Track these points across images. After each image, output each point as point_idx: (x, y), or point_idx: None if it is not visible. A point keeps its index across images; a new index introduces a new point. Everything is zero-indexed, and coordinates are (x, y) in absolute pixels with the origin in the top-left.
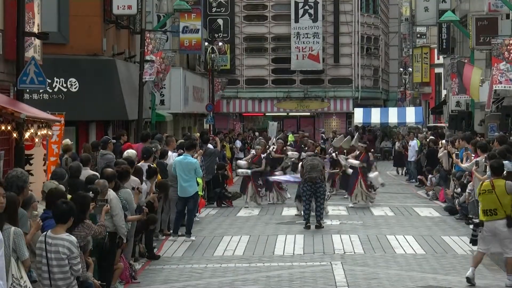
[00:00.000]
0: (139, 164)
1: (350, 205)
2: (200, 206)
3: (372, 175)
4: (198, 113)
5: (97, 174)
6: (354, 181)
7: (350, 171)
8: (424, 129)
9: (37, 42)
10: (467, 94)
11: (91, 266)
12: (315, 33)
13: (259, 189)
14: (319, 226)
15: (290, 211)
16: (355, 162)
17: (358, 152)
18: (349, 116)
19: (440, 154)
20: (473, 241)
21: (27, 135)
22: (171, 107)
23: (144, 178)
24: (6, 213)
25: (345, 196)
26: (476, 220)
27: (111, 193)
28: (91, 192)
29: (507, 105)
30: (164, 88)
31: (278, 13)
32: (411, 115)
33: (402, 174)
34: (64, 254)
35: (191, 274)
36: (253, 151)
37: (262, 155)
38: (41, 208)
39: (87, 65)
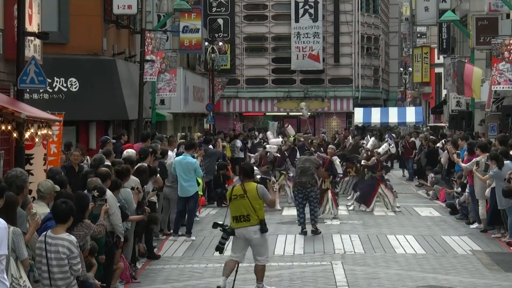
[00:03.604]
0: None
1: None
2: (200, 203)
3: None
4: (198, 113)
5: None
6: (372, 192)
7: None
8: (427, 127)
9: (37, 41)
10: (468, 95)
11: (94, 266)
12: (315, 32)
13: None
14: (315, 232)
15: (290, 211)
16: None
17: (374, 159)
18: (349, 116)
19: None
20: (220, 249)
21: (27, 134)
22: (171, 107)
23: None
24: (5, 213)
25: (365, 209)
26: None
27: (107, 192)
28: (95, 191)
29: (507, 105)
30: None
31: (278, 13)
32: (411, 115)
33: (405, 176)
34: (64, 254)
35: (192, 274)
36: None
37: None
38: (37, 207)
39: (87, 64)
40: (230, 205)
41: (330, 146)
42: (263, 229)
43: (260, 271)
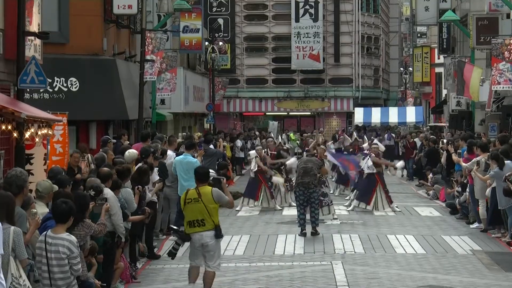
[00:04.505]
0: (139, 165)
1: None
2: None
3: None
4: (198, 113)
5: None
6: (372, 189)
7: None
8: (427, 127)
9: (37, 41)
10: (467, 96)
11: (94, 266)
12: (315, 32)
13: (271, 190)
14: (314, 233)
15: (290, 211)
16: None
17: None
18: (350, 115)
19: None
20: (172, 254)
21: (27, 134)
22: (172, 107)
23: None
24: (3, 212)
25: (366, 207)
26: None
27: (108, 192)
28: (91, 190)
29: (508, 105)
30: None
31: (278, 13)
32: (411, 114)
33: (406, 176)
34: (64, 254)
35: None
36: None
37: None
38: (36, 207)
39: (88, 64)
40: (185, 210)
41: (321, 146)
42: (218, 235)
43: (209, 278)
